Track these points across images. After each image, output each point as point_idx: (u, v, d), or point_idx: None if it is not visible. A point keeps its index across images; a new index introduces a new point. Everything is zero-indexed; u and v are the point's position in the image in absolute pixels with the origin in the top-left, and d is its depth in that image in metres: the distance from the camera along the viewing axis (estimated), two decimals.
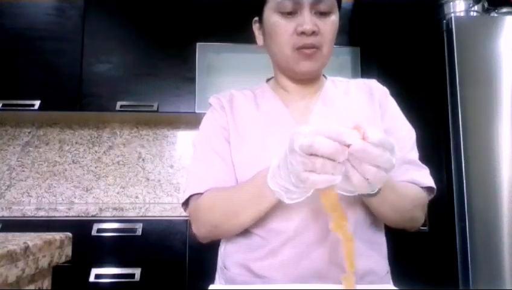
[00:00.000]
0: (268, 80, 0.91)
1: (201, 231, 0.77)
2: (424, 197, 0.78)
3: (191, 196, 0.78)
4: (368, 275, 0.74)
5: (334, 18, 0.77)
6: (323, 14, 0.75)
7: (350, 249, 0.55)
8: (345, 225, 0.54)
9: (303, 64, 0.77)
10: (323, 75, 0.89)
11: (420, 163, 0.81)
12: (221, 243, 0.85)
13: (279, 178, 0.57)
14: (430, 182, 0.79)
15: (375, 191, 0.57)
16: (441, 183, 0.81)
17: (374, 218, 0.78)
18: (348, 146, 0.49)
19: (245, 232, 0.77)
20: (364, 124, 0.51)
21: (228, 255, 0.80)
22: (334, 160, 0.49)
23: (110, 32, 2.14)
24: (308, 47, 0.75)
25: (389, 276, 0.81)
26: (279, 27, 0.76)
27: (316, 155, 0.49)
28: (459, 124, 1.79)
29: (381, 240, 0.81)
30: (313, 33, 0.74)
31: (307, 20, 0.73)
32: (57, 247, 0.57)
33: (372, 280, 0.74)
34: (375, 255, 0.77)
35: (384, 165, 0.50)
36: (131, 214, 1.77)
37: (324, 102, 0.83)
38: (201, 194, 0.77)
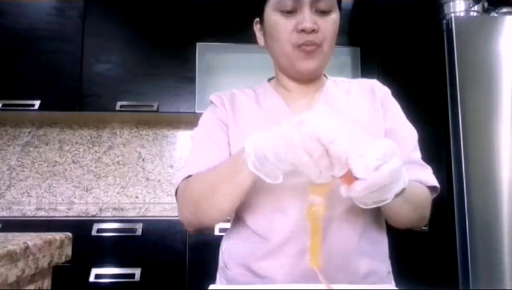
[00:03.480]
0: (269, 80, 0.91)
1: (184, 214, 0.75)
2: (430, 197, 0.78)
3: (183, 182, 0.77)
4: (369, 275, 0.74)
5: (334, 16, 0.77)
6: (323, 12, 0.76)
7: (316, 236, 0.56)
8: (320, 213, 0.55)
9: (304, 63, 0.77)
10: (325, 75, 0.89)
11: (423, 163, 0.81)
12: (222, 243, 0.85)
13: (263, 162, 0.57)
14: (434, 181, 0.79)
15: (399, 191, 0.56)
16: (441, 183, 0.81)
17: (375, 219, 0.78)
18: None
19: (246, 232, 0.77)
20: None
21: (229, 255, 0.80)
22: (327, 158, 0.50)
23: (110, 32, 2.14)
24: (308, 44, 0.75)
25: (391, 276, 0.81)
26: (280, 25, 0.76)
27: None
28: (459, 124, 1.79)
29: (382, 240, 0.81)
30: (313, 31, 0.74)
31: (306, 17, 0.74)
32: (57, 247, 0.57)
33: (374, 280, 0.74)
34: (377, 256, 0.77)
35: (389, 185, 0.51)
36: (131, 214, 1.77)
37: (326, 101, 0.83)
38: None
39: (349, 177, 0.51)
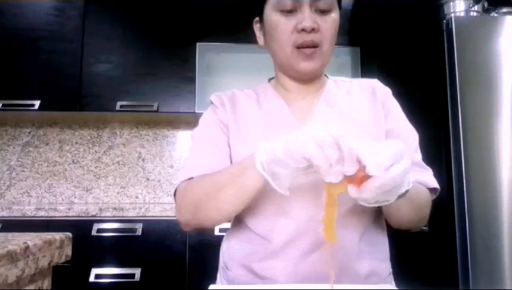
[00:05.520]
0: (270, 80, 0.91)
1: (183, 213, 0.74)
2: (430, 198, 0.78)
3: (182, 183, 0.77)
4: (370, 276, 0.74)
5: (334, 16, 0.77)
6: (323, 11, 0.75)
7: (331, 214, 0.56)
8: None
9: (303, 64, 0.77)
10: (325, 75, 0.88)
11: (424, 164, 0.81)
12: (222, 243, 0.85)
13: (273, 164, 0.56)
14: (434, 183, 0.79)
15: (403, 192, 0.55)
16: (441, 183, 0.81)
17: (376, 220, 0.78)
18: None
19: (247, 233, 0.77)
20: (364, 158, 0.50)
21: (230, 255, 0.80)
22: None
23: (110, 32, 2.14)
24: (308, 44, 0.75)
25: (392, 277, 0.81)
26: (280, 25, 0.76)
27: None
28: (459, 124, 1.79)
29: (383, 241, 0.81)
30: (313, 30, 0.74)
31: (306, 17, 0.74)
32: (57, 247, 0.57)
33: (375, 281, 0.74)
34: (377, 257, 0.77)
35: (395, 188, 0.51)
36: (131, 214, 1.77)
37: (326, 101, 0.83)
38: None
39: (359, 178, 0.50)
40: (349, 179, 0.51)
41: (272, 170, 0.56)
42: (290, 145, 0.53)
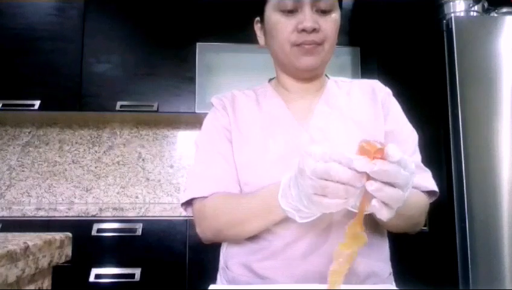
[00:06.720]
0: (270, 80, 0.91)
1: (206, 233, 0.77)
2: (427, 202, 0.78)
3: (193, 198, 0.78)
4: (370, 277, 0.74)
5: (335, 16, 0.77)
6: (324, 12, 0.75)
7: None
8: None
9: (304, 60, 0.76)
10: (326, 75, 0.88)
11: (423, 166, 0.80)
12: (222, 244, 0.85)
13: (290, 197, 0.57)
14: (433, 186, 0.78)
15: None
16: (441, 183, 0.81)
17: (375, 220, 0.78)
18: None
19: None
20: (385, 142, 0.50)
21: (230, 255, 0.80)
22: (350, 185, 0.49)
23: (110, 32, 2.14)
24: (308, 44, 0.75)
25: (392, 278, 0.81)
26: (280, 25, 0.76)
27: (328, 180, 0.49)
28: (459, 124, 1.79)
29: (383, 242, 0.80)
30: (314, 30, 0.74)
31: (307, 17, 0.73)
32: (57, 247, 0.57)
33: (375, 281, 0.74)
34: (377, 257, 0.77)
35: (402, 183, 0.49)
36: (131, 214, 1.77)
37: (326, 102, 0.83)
38: (205, 197, 0.77)
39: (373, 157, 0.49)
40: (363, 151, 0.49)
41: (297, 207, 0.57)
42: (307, 201, 0.54)
